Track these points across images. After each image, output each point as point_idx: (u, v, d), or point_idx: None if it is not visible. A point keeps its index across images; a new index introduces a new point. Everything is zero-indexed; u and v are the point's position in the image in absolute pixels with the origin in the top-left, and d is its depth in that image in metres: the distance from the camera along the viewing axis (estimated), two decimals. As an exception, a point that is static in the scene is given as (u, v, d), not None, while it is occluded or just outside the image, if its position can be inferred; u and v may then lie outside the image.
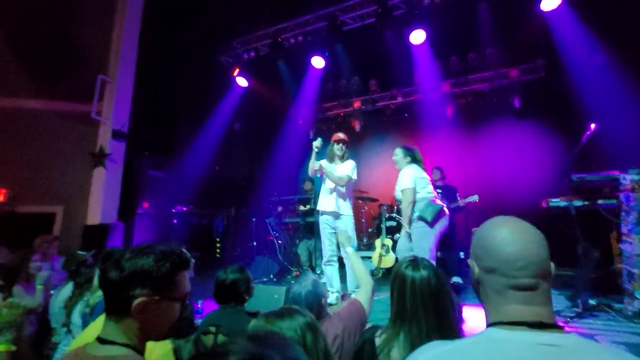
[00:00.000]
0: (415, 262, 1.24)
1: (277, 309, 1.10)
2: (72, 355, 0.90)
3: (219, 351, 0.44)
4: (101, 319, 1.38)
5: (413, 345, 1.10)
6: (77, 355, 0.87)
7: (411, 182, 3.26)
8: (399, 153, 3.51)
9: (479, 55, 6.17)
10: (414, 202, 3.26)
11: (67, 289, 2.19)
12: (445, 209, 3.31)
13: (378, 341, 1.20)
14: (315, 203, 3.56)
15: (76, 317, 2.03)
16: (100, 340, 0.86)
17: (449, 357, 0.67)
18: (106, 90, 5.18)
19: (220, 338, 1.62)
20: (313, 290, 1.69)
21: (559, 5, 4.64)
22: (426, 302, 1.15)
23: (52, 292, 2.51)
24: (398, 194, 3.41)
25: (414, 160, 3.45)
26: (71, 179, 4.94)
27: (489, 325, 0.72)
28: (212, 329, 1.65)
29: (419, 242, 3.23)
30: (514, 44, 5.81)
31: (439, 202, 3.32)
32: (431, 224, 3.17)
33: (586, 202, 3.24)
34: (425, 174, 3.41)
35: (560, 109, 5.59)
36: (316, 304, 1.67)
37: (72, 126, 5.09)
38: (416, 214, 3.24)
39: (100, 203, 4.86)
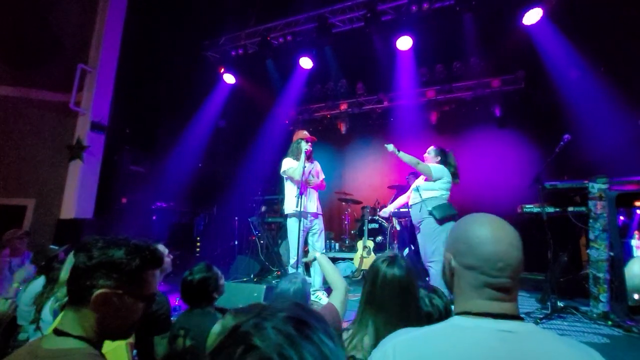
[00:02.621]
0: (393, 259, 1.30)
1: (246, 306, 1.11)
2: (25, 349, 0.85)
3: (274, 307, 0.49)
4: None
5: (378, 331, 1.18)
6: (30, 348, 0.83)
7: (437, 171, 3.34)
8: (431, 152, 3.59)
9: (463, 64, 6.35)
10: (424, 173, 3.39)
11: (37, 285, 2.10)
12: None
13: (345, 335, 1.26)
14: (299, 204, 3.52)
15: (47, 314, 1.95)
16: (57, 331, 0.83)
17: (417, 342, 0.72)
18: (86, 80, 5.01)
19: (189, 342, 1.59)
20: (302, 289, 1.71)
21: (540, 20, 4.85)
22: (393, 296, 1.23)
23: (20, 287, 2.40)
24: (421, 182, 3.46)
25: (445, 162, 3.51)
26: (45, 172, 4.74)
27: (456, 314, 0.77)
28: (181, 332, 1.62)
29: (427, 239, 3.26)
30: (497, 55, 6.01)
31: (453, 207, 3.35)
32: (439, 221, 3.19)
33: (557, 209, 3.39)
34: (450, 179, 3.44)
35: (538, 119, 5.84)
36: (303, 303, 1.69)
37: (48, 116, 4.89)
38: (428, 209, 3.27)
39: (75, 197, 4.68)
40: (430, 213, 3.23)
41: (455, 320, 0.75)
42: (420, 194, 3.37)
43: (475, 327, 0.70)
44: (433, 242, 3.21)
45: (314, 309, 0.54)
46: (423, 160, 3.60)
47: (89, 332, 0.83)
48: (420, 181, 3.50)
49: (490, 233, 0.75)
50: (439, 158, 3.51)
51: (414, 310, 1.24)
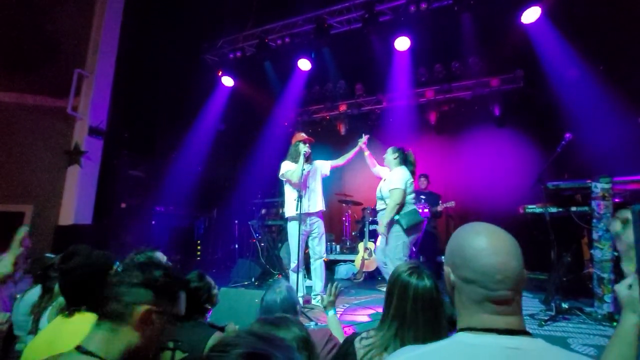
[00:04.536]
0: (419, 270, 1.24)
1: (273, 317, 1.07)
2: None
3: (227, 342, 0.46)
4: (57, 322, 1.31)
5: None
6: None
7: (402, 183, 3.27)
8: (389, 151, 3.55)
9: (462, 64, 6.33)
10: (402, 205, 3.27)
11: (33, 294, 2.06)
12: (423, 222, 3.38)
13: (359, 344, 1.20)
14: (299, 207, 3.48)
15: (45, 324, 1.92)
16: (80, 349, 0.81)
17: None
18: (83, 84, 4.99)
19: (179, 354, 1.53)
20: (289, 297, 1.66)
21: (538, 19, 4.83)
22: (426, 310, 1.17)
23: (17, 295, 2.36)
24: (383, 191, 3.40)
25: (404, 161, 3.48)
26: (43, 177, 4.71)
27: (460, 329, 0.74)
28: (170, 344, 1.56)
29: (393, 246, 3.26)
30: (495, 54, 5.99)
31: (419, 213, 3.37)
32: (406, 231, 3.20)
33: (560, 209, 3.36)
34: (412, 180, 3.42)
35: (537, 118, 5.81)
36: (291, 311, 1.64)
37: (45, 122, 4.86)
38: (395, 217, 3.26)
39: (74, 203, 4.64)
40: (397, 221, 3.23)
41: (459, 336, 0.72)
42: (385, 202, 3.35)
43: (480, 344, 0.67)
44: (397, 249, 3.21)
45: (276, 336, 0.49)
46: (382, 163, 3.62)
47: (115, 354, 0.82)
48: (385, 188, 3.40)
49: (486, 243, 0.72)
50: (397, 155, 3.48)
51: (444, 321, 1.18)
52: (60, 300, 1.89)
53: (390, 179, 3.37)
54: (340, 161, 3.94)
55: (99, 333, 0.84)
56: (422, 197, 5.00)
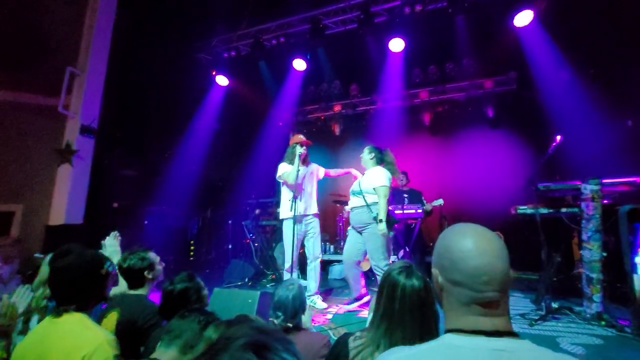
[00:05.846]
0: (409, 269, 1.24)
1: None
2: None
3: (228, 335, 0.46)
4: (45, 323, 1.31)
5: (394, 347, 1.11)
6: None
7: (387, 180, 3.30)
8: (365, 151, 3.58)
9: (456, 65, 6.39)
10: (386, 193, 3.27)
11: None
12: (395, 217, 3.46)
13: (352, 344, 1.20)
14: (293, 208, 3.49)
15: (35, 324, 1.90)
16: None
17: None
18: (75, 83, 4.91)
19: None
20: (299, 295, 1.69)
21: (531, 22, 4.90)
22: (414, 310, 1.17)
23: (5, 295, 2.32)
24: (363, 186, 3.39)
25: (381, 160, 3.49)
26: (33, 176, 4.63)
27: (447, 330, 0.75)
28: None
29: (372, 242, 3.27)
30: (489, 56, 6.05)
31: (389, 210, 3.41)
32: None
33: (551, 210, 3.41)
34: (391, 178, 3.43)
35: (529, 120, 5.89)
36: (301, 309, 1.67)
37: (36, 120, 4.78)
38: (373, 215, 3.26)
39: (64, 202, 4.58)
40: (375, 219, 3.23)
41: (447, 338, 0.73)
42: (364, 198, 3.33)
43: (468, 346, 0.69)
44: (380, 248, 3.23)
45: (274, 328, 0.51)
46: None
47: None
48: (366, 184, 3.39)
49: (473, 245, 0.73)
50: (373, 155, 3.50)
51: (434, 323, 1.17)
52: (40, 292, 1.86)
53: (371, 177, 3.38)
54: (332, 172, 4.08)
55: (170, 352, 1.04)
56: (405, 195, 4.98)
